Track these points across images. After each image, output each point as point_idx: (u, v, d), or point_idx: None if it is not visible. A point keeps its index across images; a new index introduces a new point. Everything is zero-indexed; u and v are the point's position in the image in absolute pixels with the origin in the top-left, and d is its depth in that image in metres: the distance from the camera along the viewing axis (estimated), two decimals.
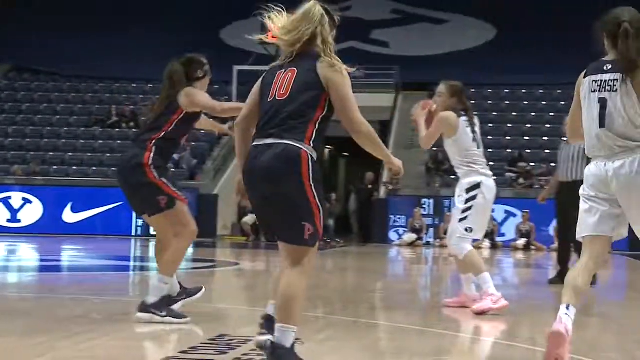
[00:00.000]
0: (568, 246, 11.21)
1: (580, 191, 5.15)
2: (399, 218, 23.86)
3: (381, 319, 7.72)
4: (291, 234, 4.36)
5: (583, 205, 5.11)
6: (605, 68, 5.06)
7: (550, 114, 30.22)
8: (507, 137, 28.77)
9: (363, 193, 25.58)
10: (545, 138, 28.68)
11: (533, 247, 22.33)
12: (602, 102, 5.03)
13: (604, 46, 5.12)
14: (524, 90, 31.76)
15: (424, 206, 23.62)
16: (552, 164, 27.11)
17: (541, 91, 31.73)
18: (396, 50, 34.81)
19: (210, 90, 6.85)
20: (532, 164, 26.38)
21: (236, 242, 22.80)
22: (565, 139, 10.77)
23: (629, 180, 4.88)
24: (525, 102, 31.18)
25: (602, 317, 8.30)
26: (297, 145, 4.33)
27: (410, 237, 23.16)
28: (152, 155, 6.31)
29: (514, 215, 23.13)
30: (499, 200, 25.85)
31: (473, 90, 31.59)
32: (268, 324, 4.72)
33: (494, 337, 6.49)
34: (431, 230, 23.52)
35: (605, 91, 5.02)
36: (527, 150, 27.79)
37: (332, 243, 22.57)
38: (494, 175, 7.71)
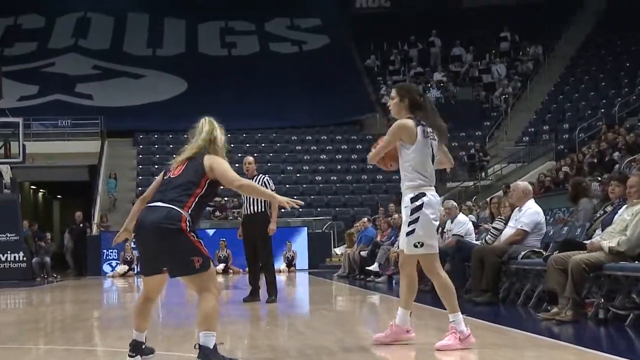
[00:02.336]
0: (257, 268, 11.52)
1: (432, 214, 6.02)
2: (112, 252, 23.28)
3: (97, 344, 7.47)
4: (185, 268, 5.25)
5: (433, 225, 6.09)
6: (423, 123, 6.04)
7: (239, 154, 30.87)
8: None
9: (76, 230, 24.83)
10: None
11: (231, 271, 22.60)
12: (432, 146, 6.06)
13: (396, 103, 6.11)
14: None
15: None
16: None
17: (228, 135, 32.29)
18: (99, 101, 34.15)
19: None
20: (226, 198, 26.75)
21: None
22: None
23: None
24: None
25: (288, 327, 8.56)
26: (178, 209, 5.28)
27: (122, 268, 22.62)
28: None
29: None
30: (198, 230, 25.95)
31: (171, 135, 31.65)
32: (135, 348, 5.51)
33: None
34: None
35: (431, 139, 6.06)
36: (221, 187, 28.11)
37: (50, 279, 21.62)
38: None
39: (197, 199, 5.38)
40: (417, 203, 6.01)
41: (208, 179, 5.44)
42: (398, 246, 6.58)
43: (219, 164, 5.47)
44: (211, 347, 5.22)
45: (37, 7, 39.80)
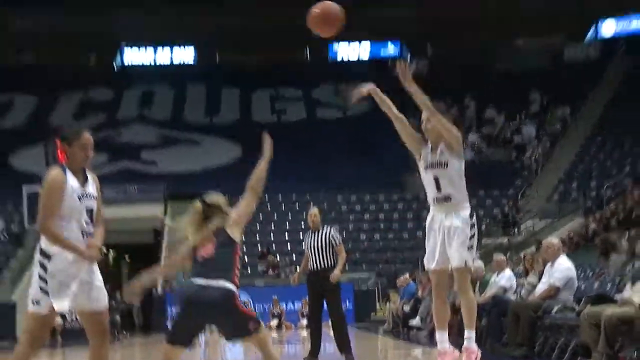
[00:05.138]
0: (320, 327, 10.53)
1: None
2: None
3: None
4: (243, 333, 5.27)
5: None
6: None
7: (289, 214, 31.11)
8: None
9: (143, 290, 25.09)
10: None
11: (284, 326, 22.63)
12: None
13: None
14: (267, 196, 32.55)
15: None
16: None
17: (279, 194, 32.60)
18: (162, 167, 34.74)
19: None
20: (279, 257, 26.91)
21: None
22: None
23: None
24: (270, 206, 31.91)
25: None
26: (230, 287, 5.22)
27: None
28: None
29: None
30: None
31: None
32: None
33: None
34: None
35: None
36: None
37: (119, 336, 21.79)
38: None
39: (237, 268, 5.38)
40: (474, 219, 5.72)
41: (238, 245, 5.48)
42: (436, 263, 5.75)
43: (236, 223, 5.56)
44: None
45: (108, 82, 40.86)
